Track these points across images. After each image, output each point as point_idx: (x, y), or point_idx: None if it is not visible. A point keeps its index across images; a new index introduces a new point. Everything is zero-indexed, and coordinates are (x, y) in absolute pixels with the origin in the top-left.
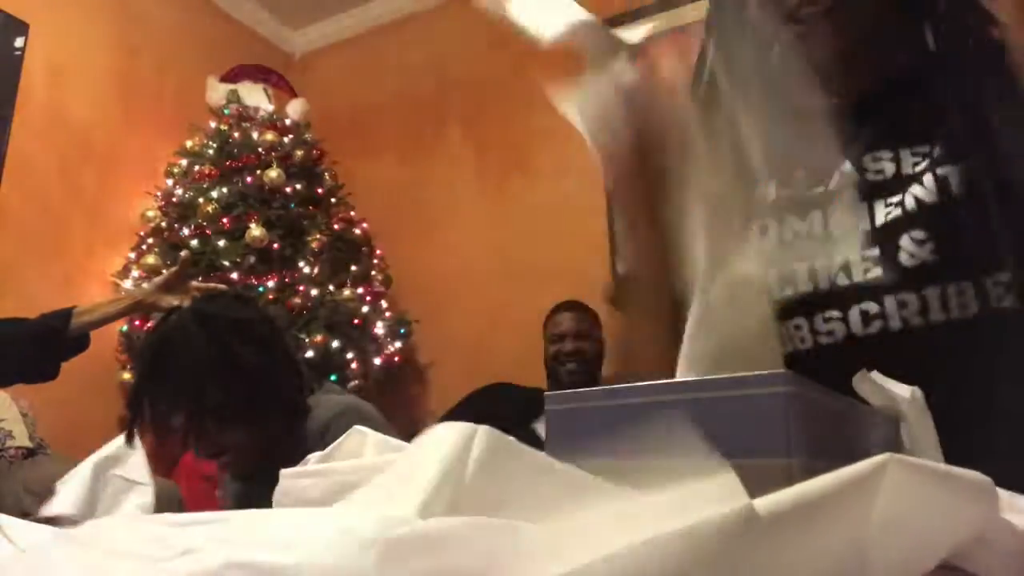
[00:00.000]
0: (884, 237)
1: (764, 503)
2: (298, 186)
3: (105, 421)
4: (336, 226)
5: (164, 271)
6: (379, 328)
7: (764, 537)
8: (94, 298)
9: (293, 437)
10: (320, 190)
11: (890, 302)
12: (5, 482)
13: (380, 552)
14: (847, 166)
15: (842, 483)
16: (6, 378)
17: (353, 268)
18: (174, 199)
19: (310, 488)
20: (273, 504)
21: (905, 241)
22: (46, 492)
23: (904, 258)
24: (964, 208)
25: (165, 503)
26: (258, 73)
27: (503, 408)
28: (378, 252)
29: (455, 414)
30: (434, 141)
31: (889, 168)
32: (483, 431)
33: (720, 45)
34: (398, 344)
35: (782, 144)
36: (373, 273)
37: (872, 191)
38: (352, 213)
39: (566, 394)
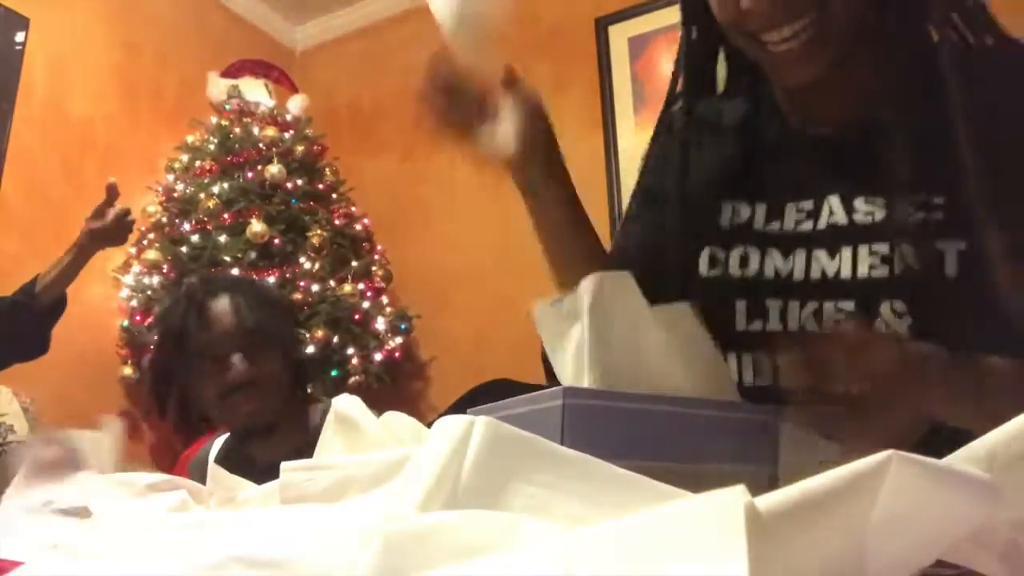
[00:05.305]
0: (864, 295)
1: (766, 501)
2: (299, 181)
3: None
4: (337, 222)
5: (165, 266)
6: (380, 324)
7: (765, 535)
8: (95, 292)
9: (297, 417)
10: (321, 186)
11: None
12: (6, 476)
13: (381, 546)
14: (836, 204)
15: (845, 481)
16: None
17: (354, 264)
18: (175, 194)
19: (312, 482)
20: (277, 498)
21: (885, 309)
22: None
23: (879, 324)
24: (954, 290)
25: None
26: (259, 68)
27: None
28: (379, 248)
29: (456, 410)
30: (435, 137)
31: (879, 213)
32: (481, 422)
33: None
34: (399, 340)
35: (773, 170)
36: (374, 269)
37: (858, 235)
38: (353, 209)
39: (478, 409)
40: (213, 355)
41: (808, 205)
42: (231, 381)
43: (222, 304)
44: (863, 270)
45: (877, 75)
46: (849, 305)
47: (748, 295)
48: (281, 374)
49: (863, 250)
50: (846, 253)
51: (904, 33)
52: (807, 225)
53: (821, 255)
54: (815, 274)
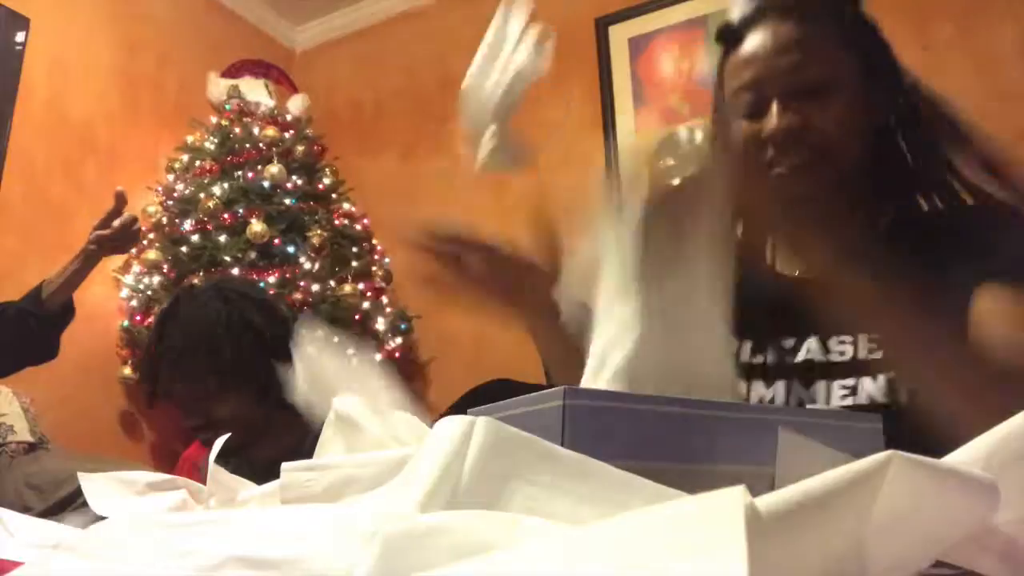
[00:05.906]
0: None
1: (766, 501)
2: (299, 182)
3: (106, 416)
4: (337, 222)
5: (165, 266)
6: (380, 324)
7: (765, 536)
8: (95, 292)
9: (283, 433)
10: (321, 186)
11: None
12: (6, 476)
13: (380, 546)
14: (815, 344)
15: (845, 481)
16: (6, 367)
17: (354, 264)
18: (175, 194)
19: (312, 482)
20: (277, 498)
21: None
22: (47, 486)
23: None
24: (910, 414)
25: None
26: (259, 68)
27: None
28: (379, 248)
29: (456, 410)
30: (435, 136)
31: (848, 351)
32: (481, 423)
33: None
34: (399, 340)
35: (760, 312)
36: (374, 269)
37: (832, 372)
38: (353, 209)
39: (478, 409)
40: (170, 395)
41: (789, 343)
42: (187, 424)
43: (175, 339)
44: (835, 400)
45: (857, 228)
46: None
47: None
48: (238, 409)
49: (835, 384)
50: (820, 386)
51: (888, 198)
52: (788, 358)
53: (797, 386)
54: (793, 402)
